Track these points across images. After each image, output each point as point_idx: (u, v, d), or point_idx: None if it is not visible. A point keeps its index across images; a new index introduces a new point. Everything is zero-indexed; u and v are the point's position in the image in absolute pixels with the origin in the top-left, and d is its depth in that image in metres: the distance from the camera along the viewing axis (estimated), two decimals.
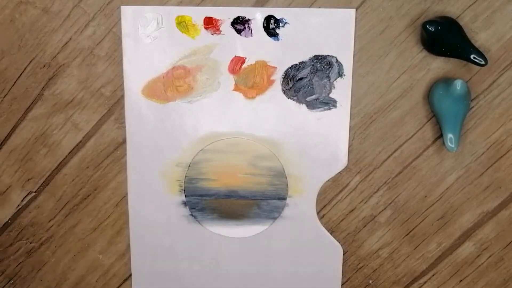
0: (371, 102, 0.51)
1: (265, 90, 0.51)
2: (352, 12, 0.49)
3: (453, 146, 0.49)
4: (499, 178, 0.53)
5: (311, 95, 0.51)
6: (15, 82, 0.52)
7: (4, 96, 0.52)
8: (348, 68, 0.50)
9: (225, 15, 0.50)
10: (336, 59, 0.50)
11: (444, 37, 0.47)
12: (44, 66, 0.51)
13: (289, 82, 0.51)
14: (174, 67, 0.51)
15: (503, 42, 0.50)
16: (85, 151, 0.53)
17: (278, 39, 0.50)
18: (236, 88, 0.51)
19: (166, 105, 0.52)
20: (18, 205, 0.54)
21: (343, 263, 0.55)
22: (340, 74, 0.51)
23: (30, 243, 0.55)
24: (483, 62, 0.46)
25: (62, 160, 0.53)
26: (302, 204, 0.53)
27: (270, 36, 0.50)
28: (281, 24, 0.50)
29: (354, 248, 0.55)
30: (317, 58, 0.50)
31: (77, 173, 0.54)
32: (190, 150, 0.52)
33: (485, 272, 0.55)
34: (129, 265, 0.55)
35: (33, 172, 0.54)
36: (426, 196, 0.53)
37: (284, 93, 0.51)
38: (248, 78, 0.51)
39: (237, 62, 0.50)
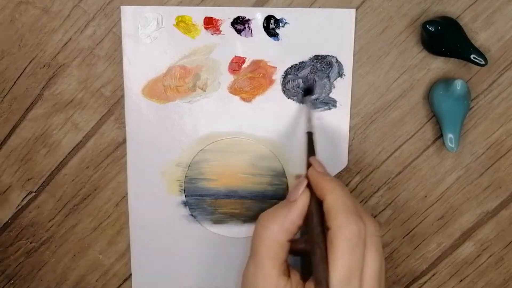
0: (371, 102, 0.51)
1: (265, 90, 0.51)
2: (352, 12, 0.49)
3: (453, 146, 0.49)
4: (499, 178, 0.53)
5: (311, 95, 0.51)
6: (15, 82, 0.52)
7: (4, 96, 0.52)
8: (348, 68, 0.50)
9: (225, 15, 0.50)
10: (336, 59, 0.50)
11: (444, 37, 0.47)
12: (44, 66, 0.51)
13: (289, 82, 0.51)
14: (174, 67, 0.51)
15: (503, 42, 0.50)
16: (85, 151, 0.53)
17: (278, 39, 0.50)
18: (233, 91, 0.51)
19: (166, 105, 0.52)
20: (18, 205, 0.54)
21: None
22: (340, 74, 0.51)
23: (30, 243, 0.55)
24: (483, 62, 0.46)
25: (62, 160, 0.53)
26: None
27: (270, 36, 0.50)
28: (281, 24, 0.50)
29: None
30: (317, 58, 0.50)
31: (77, 173, 0.54)
32: (190, 150, 0.52)
33: (485, 272, 0.55)
34: (129, 265, 0.55)
35: (33, 172, 0.54)
36: (426, 196, 0.53)
37: (284, 93, 0.51)
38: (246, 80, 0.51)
39: (237, 62, 0.50)
